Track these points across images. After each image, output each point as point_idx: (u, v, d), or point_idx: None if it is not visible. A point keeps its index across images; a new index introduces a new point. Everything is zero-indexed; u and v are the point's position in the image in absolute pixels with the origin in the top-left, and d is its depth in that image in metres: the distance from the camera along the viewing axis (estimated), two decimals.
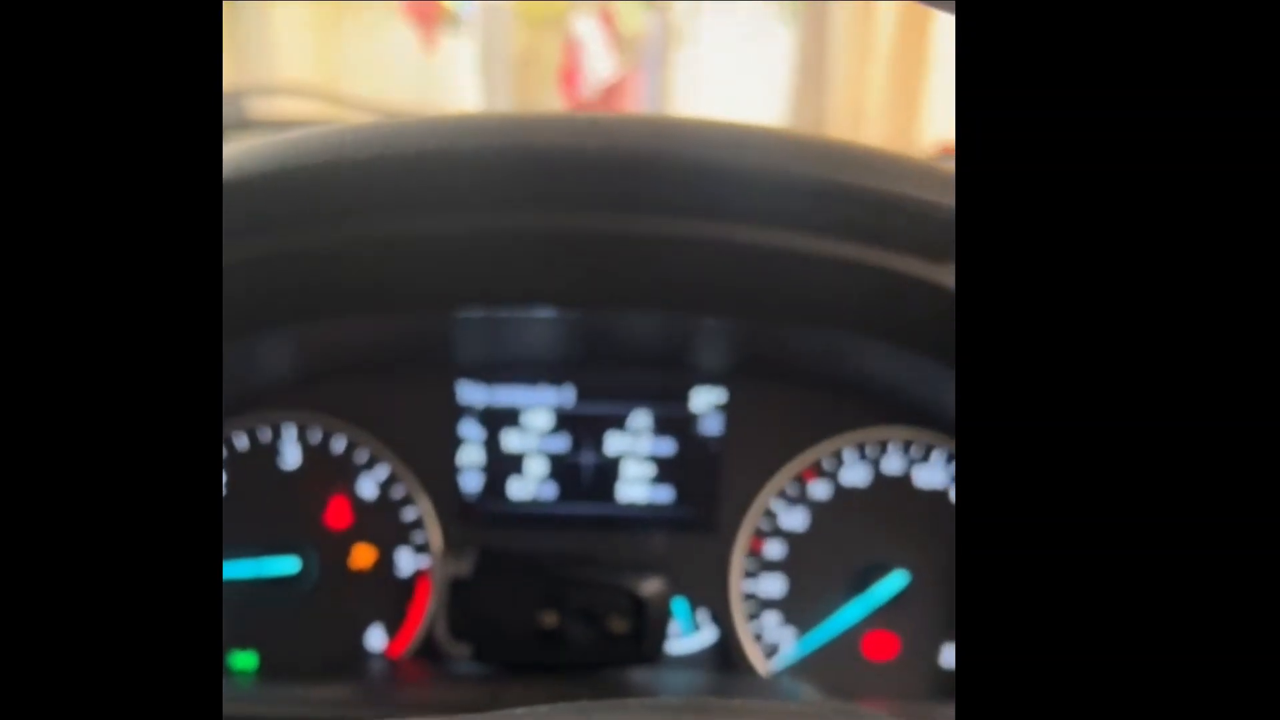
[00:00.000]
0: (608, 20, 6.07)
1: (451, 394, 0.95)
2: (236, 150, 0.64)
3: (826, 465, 0.94)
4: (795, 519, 0.95)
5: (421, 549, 0.95)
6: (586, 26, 5.90)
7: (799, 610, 0.95)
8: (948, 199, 0.62)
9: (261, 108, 1.34)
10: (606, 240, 0.67)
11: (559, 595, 0.88)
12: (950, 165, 0.60)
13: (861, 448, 0.94)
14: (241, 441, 0.94)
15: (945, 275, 0.66)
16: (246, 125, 1.24)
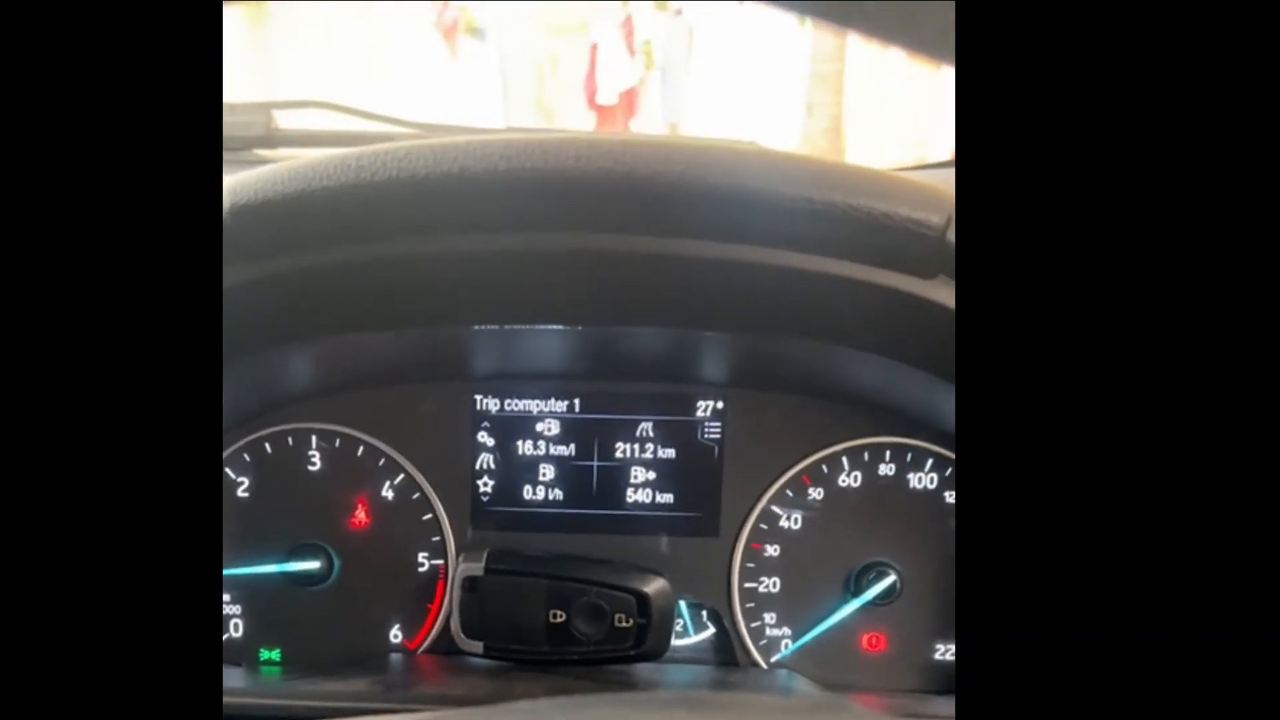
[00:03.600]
0: (627, 28, 6.12)
1: (467, 403, 1.00)
2: (263, 171, 0.69)
3: (823, 470, 0.99)
4: (793, 522, 0.99)
5: (437, 550, 1.00)
6: (606, 34, 5.95)
7: (796, 608, 0.99)
8: (938, 218, 0.66)
9: (290, 120, 1.39)
10: (620, 260, 0.71)
11: (567, 593, 0.92)
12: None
13: (857, 454, 0.98)
14: (268, 448, 0.99)
15: (938, 291, 0.70)
16: (275, 138, 1.29)
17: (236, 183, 0.68)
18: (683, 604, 1.01)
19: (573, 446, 1.00)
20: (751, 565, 0.99)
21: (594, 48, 5.98)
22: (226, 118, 1.35)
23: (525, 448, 1.00)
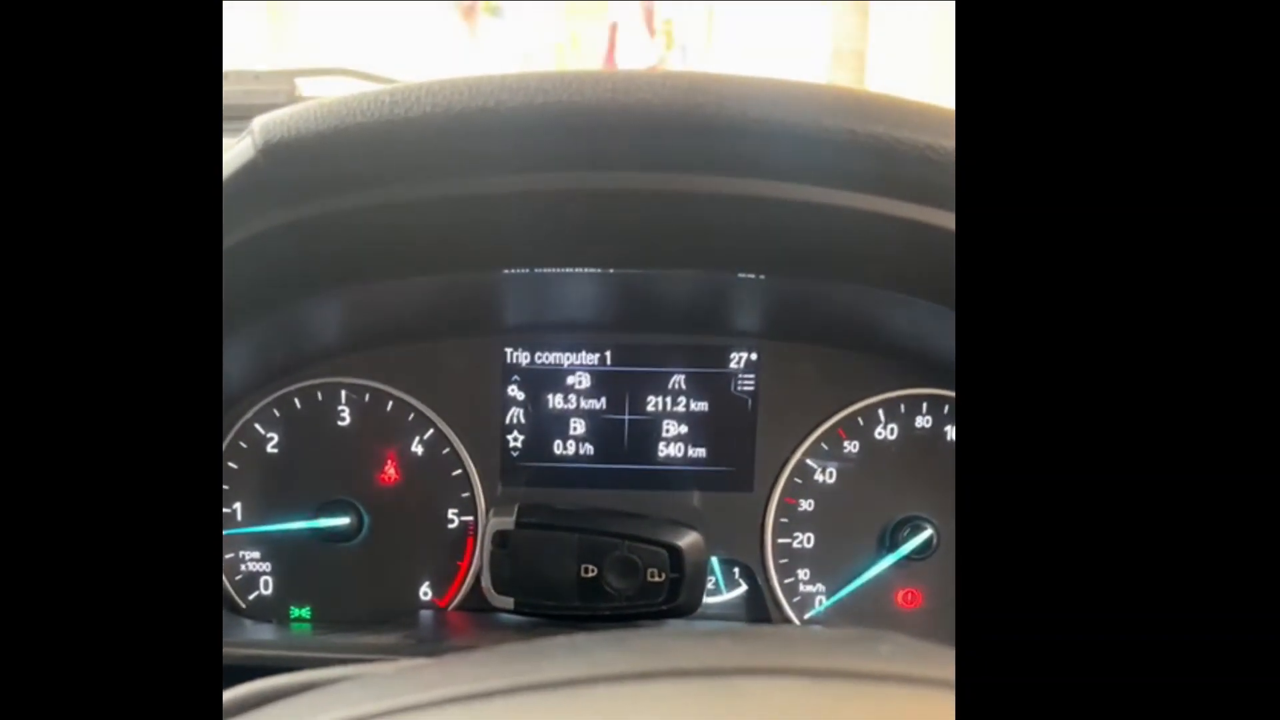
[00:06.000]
0: (647, 8, 6.09)
1: (497, 357, 0.98)
2: (294, 108, 0.67)
3: (859, 423, 0.97)
4: (828, 476, 0.98)
5: (467, 506, 0.99)
6: (627, 13, 5.92)
7: (831, 564, 0.98)
8: None
9: (313, 88, 1.39)
10: (656, 198, 0.69)
11: (599, 548, 0.91)
12: None
13: (894, 406, 0.97)
14: (296, 403, 0.98)
15: None
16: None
17: (268, 121, 0.67)
18: (715, 560, 0.99)
19: (604, 400, 0.99)
20: (785, 520, 0.98)
21: (613, 27, 5.96)
22: (249, 86, 1.35)
23: (556, 402, 0.99)
